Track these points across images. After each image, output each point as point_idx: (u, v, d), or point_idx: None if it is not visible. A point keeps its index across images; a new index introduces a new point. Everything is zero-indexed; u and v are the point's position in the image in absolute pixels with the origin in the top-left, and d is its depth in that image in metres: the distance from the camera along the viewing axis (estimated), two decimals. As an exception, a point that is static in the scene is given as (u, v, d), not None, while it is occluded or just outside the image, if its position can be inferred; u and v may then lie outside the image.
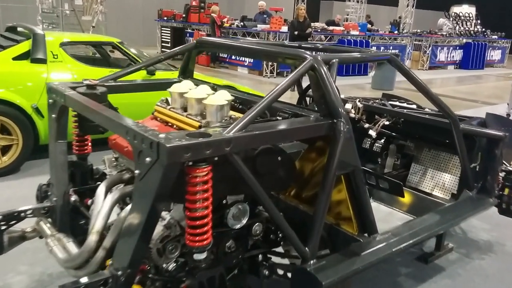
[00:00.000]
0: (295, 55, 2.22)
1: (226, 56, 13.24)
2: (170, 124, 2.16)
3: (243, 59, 12.62)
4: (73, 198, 2.34)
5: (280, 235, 2.22)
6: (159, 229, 1.84)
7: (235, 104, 2.45)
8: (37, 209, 2.34)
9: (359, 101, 2.66)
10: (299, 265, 2.11)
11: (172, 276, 1.87)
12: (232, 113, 2.11)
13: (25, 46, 4.44)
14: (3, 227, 2.24)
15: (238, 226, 2.02)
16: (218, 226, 1.98)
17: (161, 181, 1.57)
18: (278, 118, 2.16)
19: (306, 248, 2.08)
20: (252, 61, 12.30)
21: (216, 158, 1.68)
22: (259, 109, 1.85)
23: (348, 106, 2.51)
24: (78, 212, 2.34)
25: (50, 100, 2.35)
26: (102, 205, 1.99)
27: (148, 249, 1.83)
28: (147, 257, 1.86)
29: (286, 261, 2.45)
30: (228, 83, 5.28)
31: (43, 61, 4.41)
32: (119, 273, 1.76)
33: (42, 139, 4.37)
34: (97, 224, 1.95)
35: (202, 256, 1.75)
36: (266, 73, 11.95)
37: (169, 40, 15.32)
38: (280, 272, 2.22)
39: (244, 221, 2.04)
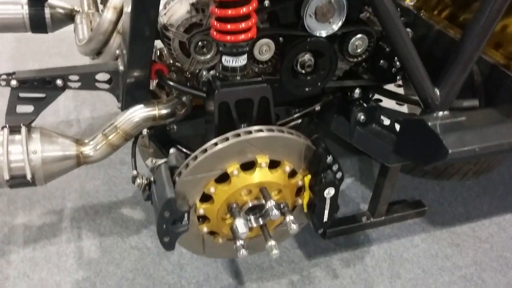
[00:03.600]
0: None
1: None
2: None
3: None
4: None
5: (397, 64, 1.34)
6: (183, 10, 1.13)
7: None
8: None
9: None
10: (418, 115, 1.28)
11: (203, 91, 1.21)
12: None
13: None
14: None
15: (323, 33, 1.20)
16: (287, 26, 1.20)
17: None
18: None
19: (436, 89, 1.21)
20: None
21: None
22: None
23: None
24: None
25: None
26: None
27: (167, 41, 1.18)
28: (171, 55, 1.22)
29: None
30: None
31: None
32: (121, 68, 1.19)
33: None
34: (115, -3, 1.32)
35: (236, 61, 1.03)
36: None
37: None
38: (385, 121, 1.40)
39: (336, 26, 1.20)
